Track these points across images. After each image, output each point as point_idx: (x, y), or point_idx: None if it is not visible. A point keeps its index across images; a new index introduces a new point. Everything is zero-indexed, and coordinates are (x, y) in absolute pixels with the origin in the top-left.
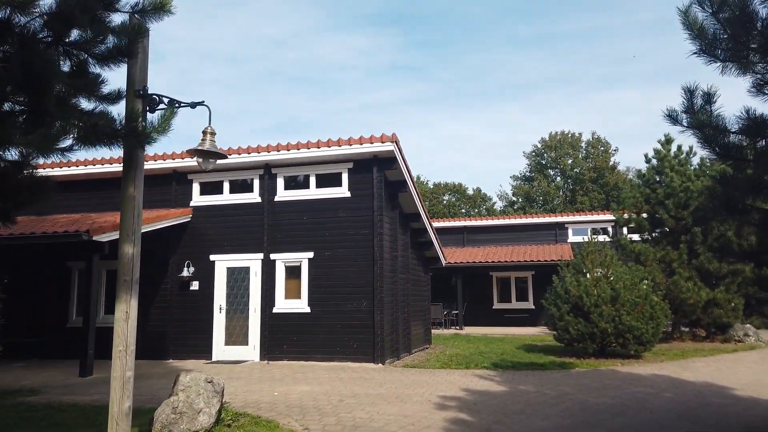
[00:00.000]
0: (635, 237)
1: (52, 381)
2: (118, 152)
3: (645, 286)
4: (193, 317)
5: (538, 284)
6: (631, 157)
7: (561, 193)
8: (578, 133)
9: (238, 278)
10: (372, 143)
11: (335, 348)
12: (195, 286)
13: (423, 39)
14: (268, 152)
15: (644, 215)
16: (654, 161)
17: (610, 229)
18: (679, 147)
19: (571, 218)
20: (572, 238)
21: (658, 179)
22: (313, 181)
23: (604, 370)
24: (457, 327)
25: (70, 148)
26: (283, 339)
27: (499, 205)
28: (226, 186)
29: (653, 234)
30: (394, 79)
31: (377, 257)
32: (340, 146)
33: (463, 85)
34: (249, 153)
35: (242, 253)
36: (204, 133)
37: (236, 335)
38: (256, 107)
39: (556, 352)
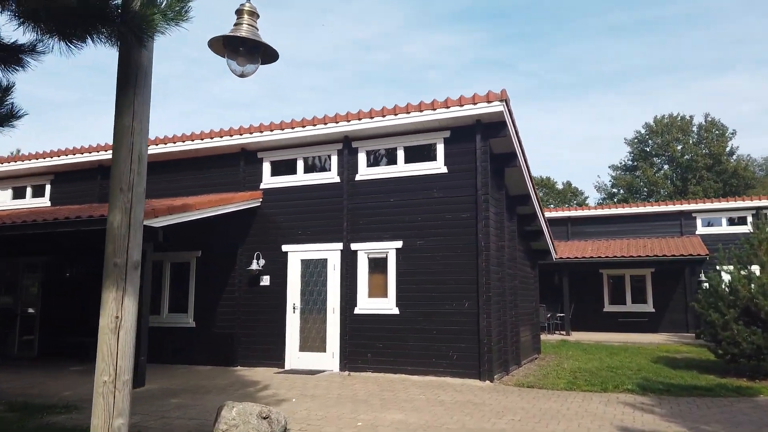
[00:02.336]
0: None
1: None
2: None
3: None
4: (263, 318)
5: (659, 283)
6: (748, 145)
7: (669, 182)
8: (689, 116)
9: (314, 272)
10: (475, 104)
11: (430, 359)
12: (266, 281)
13: (512, 32)
14: (348, 121)
15: None
16: None
17: (750, 218)
18: None
19: (700, 206)
20: (702, 229)
21: None
22: (401, 155)
23: None
24: (563, 332)
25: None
26: (367, 346)
27: (595, 198)
28: (300, 164)
29: None
30: (484, 74)
31: (482, 247)
32: (434, 110)
33: (554, 77)
34: (326, 123)
35: (319, 243)
36: (239, 13)
37: (312, 340)
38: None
39: (712, 369)
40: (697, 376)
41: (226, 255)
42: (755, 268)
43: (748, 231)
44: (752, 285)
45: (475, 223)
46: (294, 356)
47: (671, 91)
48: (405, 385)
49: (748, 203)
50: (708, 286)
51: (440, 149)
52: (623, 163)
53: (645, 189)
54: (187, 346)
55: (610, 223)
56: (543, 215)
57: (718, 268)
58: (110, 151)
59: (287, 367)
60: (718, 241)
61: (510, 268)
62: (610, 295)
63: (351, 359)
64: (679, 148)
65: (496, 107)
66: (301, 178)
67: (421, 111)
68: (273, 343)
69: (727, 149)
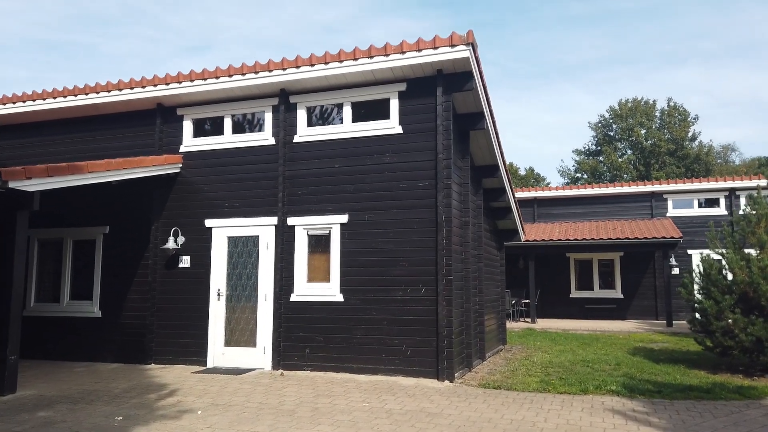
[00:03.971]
0: None
1: None
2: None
3: None
4: (182, 306)
5: (628, 268)
6: (705, 136)
7: (632, 167)
8: (652, 101)
9: (243, 252)
10: (435, 48)
11: (379, 355)
12: (185, 262)
13: (474, 20)
14: (284, 70)
15: None
16: None
17: (722, 200)
18: None
19: (671, 186)
20: (673, 211)
21: None
22: (348, 112)
23: None
24: (528, 320)
25: None
26: (305, 339)
27: (558, 183)
28: (228, 123)
29: None
30: None
31: (442, 222)
32: (387, 56)
33: (515, 66)
34: (257, 72)
35: (249, 217)
36: None
37: (240, 332)
38: None
39: (699, 363)
40: (686, 372)
41: (138, 231)
42: (750, 252)
43: (725, 213)
44: (751, 268)
45: (435, 194)
46: (218, 352)
47: (629, 83)
48: (347, 388)
49: (721, 184)
50: (699, 270)
51: (394, 105)
52: (587, 147)
53: (608, 174)
54: (92, 340)
55: (578, 205)
56: (512, 189)
57: (689, 251)
58: (164, 86)
59: (210, 364)
60: (689, 224)
61: (474, 249)
62: (577, 281)
63: (286, 355)
64: (643, 132)
65: (461, 52)
66: (229, 139)
67: (371, 57)
68: (193, 337)
69: (689, 134)
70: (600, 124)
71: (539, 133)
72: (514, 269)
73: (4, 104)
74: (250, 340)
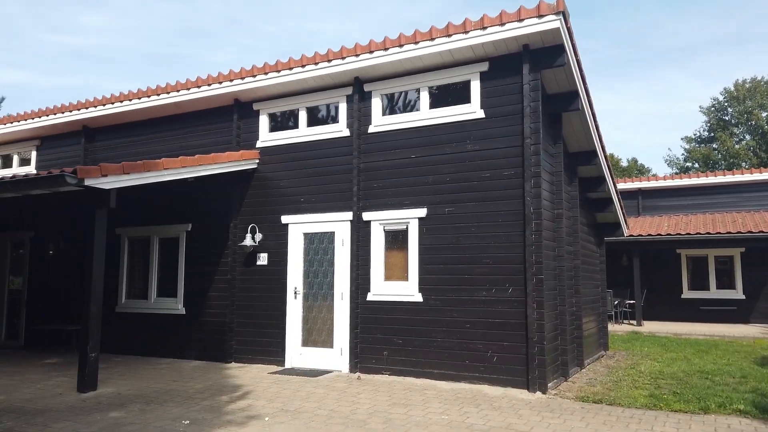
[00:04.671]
0: None
1: (38, 396)
2: None
3: None
4: (260, 305)
5: (751, 266)
6: None
7: (752, 153)
8: None
9: (318, 249)
10: (521, 21)
11: (462, 360)
12: (263, 260)
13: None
14: (357, 56)
15: None
16: None
17: None
18: None
19: None
20: None
21: None
22: (425, 98)
23: None
24: (633, 322)
25: None
26: (383, 341)
27: (665, 173)
28: (303, 116)
29: None
30: None
31: (530, 215)
32: (466, 33)
33: (611, 54)
34: (330, 61)
35: (324, 213)
36: None
37: (317, 332)
38: None
39: None
40: None
41: (218, 228)
42: None
43: None
44: None
45: (522, 184)
46: (295, 352)
47: (740, 65)
48: (426, 396)
49: None
50: None
51: (475, 88)
52: (698, 134)
53: (723, 162)
54: (177, 337)
55: (690, 196)
56: (612, 178)
57: None
58: (91, 109)
59: (287, 365)
60: None
61: (570, 244)
62: (689, 280)
63: (363, 358)
64: (764, 115)
65: (551, 23)
66: (303, 132)
67: (449, 36)
68: (271, 336)
69: None
70: (713, 108)
71: (640, 123)
72: (617, 267)
73: (96, 107)
74: (327, 341)
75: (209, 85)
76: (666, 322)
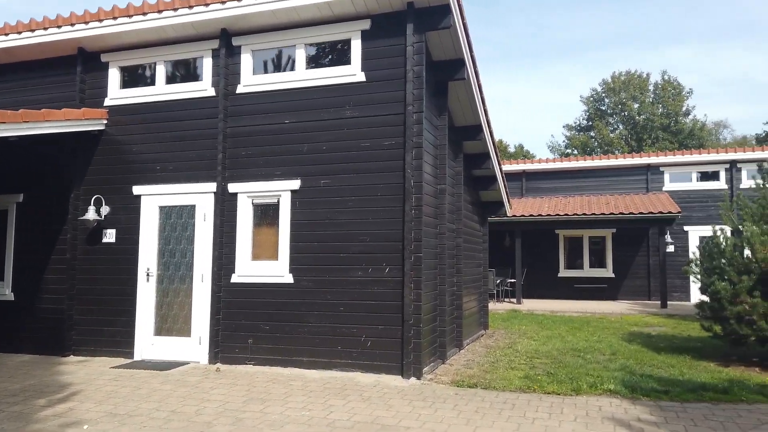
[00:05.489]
0: None
1: None
2: None
3: None
4: (107, 288)
5: (620, 246)
6: (698, 112)
7: (624, 142)
8: (646, 74)
9: (177, 224)
10: None
11: (335, 346)
12: (109, 236)
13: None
14: (224, 3)
15: None
16: None
17: (722, 173)
18: None
19: (669, 158)
20: (670, 185)
21: None
22: (301, 57)
23: None
24: (514, 300)
25: None
26: (248, 328)
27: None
28: (161, 71)
29: None
30: None
31: (411, 189)
32: None
33: (510, 44)
34: (191, 8)
35: (184, 183)
36: None
37: (173, 319)
38: None
39: (705, 352)
40: (693, 365)
41: (56, 200)
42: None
43: (725, 187)
44: None
45: (403, 155)
46: (147, 343)
47: (624, 62)
48: (290, 388)
49: (722, 156)
50: (707, 247)
51: (356, 47)
52: (578, 122)
53: (599, 149)
54: (5, 327)
55: (569, 179)
56: (497, 155)
57: (686, 228)
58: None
59: (137, 357)
60: (687, 199)
61: (452, 222)
62: (566, 259)
63: (225, 347)
64: (636, 106)
65: None
66: (161, 90)
67: None
68: (119, 324)
69: (683, 109)
70: (592, 99)
71: (534, 113)
72: (501, 247)
73: None
74: (184, 329)
75: (46, 29)
76: (544, 299)
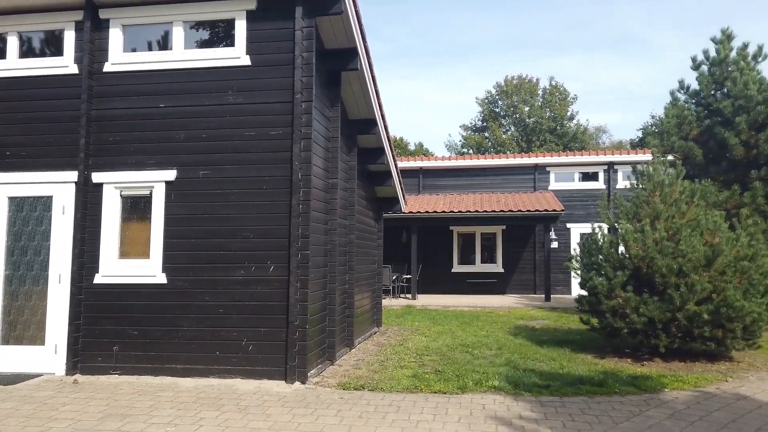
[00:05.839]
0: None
1: None
2: None
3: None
4: None
5: (510, 242)
6: (581, 117)
7: (515, 143)
8: (536, 79)
9: (30, 218)
10: None
11: (213, 351)
12: None
13: None
14: None
15: (691, 144)
16: (705, 68)
17: (601, 174)
18: (745, 45)
19: (554, 159)
20: (555, 184)
21: (714, 92)
22: (179, 35)
23: (724, 396)
24: (409, 296)
25: None
26: (114, 334)
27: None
28: (13, 43)
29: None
30: None
31: (298, 182)
32: None
33: (409, 43)
34: None
35: (39, 171)
36: None
37: (24, 326)
38: None
39: (584, 344)
40: (572, 358)
41: None
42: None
43: (603, 187)
44: (646, 241)
45: (291, 146)
46: None
47: (517, 67)
48: (158, 400)
49: (601, 158)
50: (587, 244)
51: (241, 28)
52: (473, 123)
53: (493, 149)
54: None
55: (464, 176)
56: (392, 150)
57: (569, 225)
58: None
59: None
60: (570, 198)
61: (344, 217)
62: (459, 255)
63: (86, 355)
64: (526, 109)
65: None
66: (14, 65)
67: None
68: None
69: (568, 113)
70: (486, 100)
71: (433, 112)
72: (398, 243)
73: None
74: (37, 336)
75: None
76: (439, 295)
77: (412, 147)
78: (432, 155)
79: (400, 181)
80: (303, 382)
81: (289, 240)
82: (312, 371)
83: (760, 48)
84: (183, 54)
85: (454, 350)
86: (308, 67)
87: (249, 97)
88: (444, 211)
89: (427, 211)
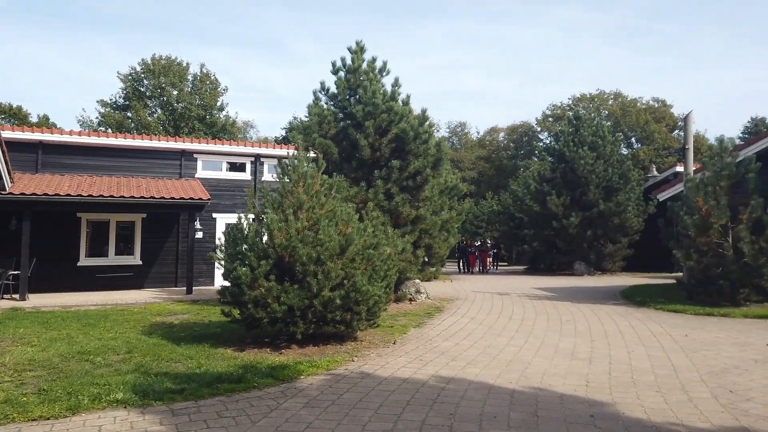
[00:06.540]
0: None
1: None
2: None
3: (372, 230)
4: None
5: (152, 232)
6: (230, 110)
7: (162, 127)
8: (186, 63)
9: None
10: None
11: None
12: None
13: None
14: None
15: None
16: (342, 74)
17: (248, 166)
18: (374, 59)
19: (203, 146)
20: (202, 172)
21: (349, 97)
22: None
23: (352, 376)
24: (17, 296)
25: None
26: None
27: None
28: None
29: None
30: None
31: None
32: None
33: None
34: None
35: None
36: None
37: None
38: None
39: (224, 337)
40: (211, 353)
41: None
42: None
43: (249, 178)
44: (290, 230)
45: None
46: None
47: (165, 49)
48: None
49: (249, 149)
50: (232, 233)
51: None
52: (114, 100)
53: (136, 131)
54: None
55: (99, 156)
56: None
57: (215, 215)
58: None
59: None
60: (217, 187)
61: None
62: (89, 246)
63: None
64: (175, 93)
65: None
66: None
67: None
68: None
69: (219, 104)
70: (131, 77)
71: (64, 84)
72: (5, 232)
73: None
74: None
75: None
76: (60, 293)
77: (34, 119)
78: (59, 129)
79: (4, 152)
80: None
81: None
82: None
83: (385, 63)
84: None
85: (69, 360)
86: None
87: None
88: (70, 195)
89: (46, 194)
